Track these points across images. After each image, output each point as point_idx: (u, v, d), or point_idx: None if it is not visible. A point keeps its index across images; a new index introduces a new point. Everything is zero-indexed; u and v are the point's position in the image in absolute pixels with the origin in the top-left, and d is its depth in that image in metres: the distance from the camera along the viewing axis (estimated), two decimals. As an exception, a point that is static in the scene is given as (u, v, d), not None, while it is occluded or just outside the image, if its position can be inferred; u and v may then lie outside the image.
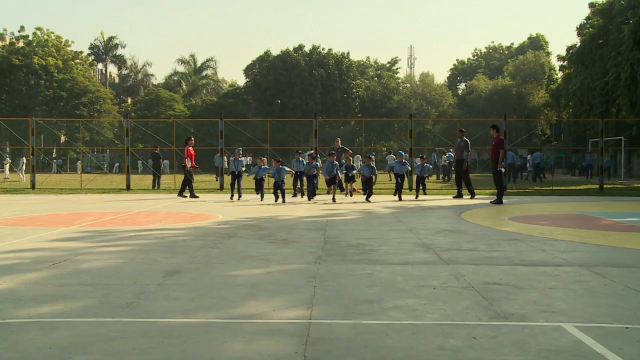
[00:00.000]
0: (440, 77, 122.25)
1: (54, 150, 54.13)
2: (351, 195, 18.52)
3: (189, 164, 18.66)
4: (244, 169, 17.97)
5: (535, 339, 4.08)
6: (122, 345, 3.92)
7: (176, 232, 9.98)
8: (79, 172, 43.64)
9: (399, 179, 17.66)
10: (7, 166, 35.35)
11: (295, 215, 12.72)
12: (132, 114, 57.93)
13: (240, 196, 17.66)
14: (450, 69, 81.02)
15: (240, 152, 18.05)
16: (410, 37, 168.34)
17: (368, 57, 73.33)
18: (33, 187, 22.77)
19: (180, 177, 20.72)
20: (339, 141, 21.08)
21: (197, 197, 18.37)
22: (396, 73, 74.22)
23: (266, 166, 17.76)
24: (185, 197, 18.47)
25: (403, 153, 18.23)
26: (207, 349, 3.86)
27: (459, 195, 18.14)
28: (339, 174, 17.89)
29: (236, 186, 17.68)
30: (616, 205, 16.14)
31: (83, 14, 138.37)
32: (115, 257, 7.34)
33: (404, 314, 4.70)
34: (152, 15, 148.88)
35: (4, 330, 4.24)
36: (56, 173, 41.67)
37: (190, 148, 18.83)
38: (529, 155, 38.03)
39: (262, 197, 17.33)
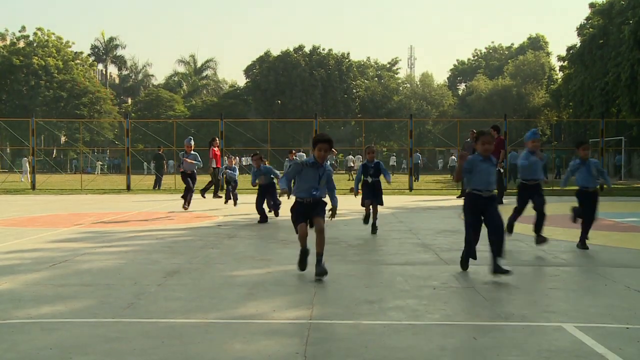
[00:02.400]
0: (440, 77, 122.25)
1: (54, 151, 54.16)
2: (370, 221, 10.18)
3: (214, 164, 18.46)
4: (197, 166, 14.33)
5: (535, 339, 4.08)
6: (122, 345, 3.92)
7: (176, 232, 9.99)
8: (97, 172, 43.95)
9: (537, 202, 8.13)
10: None
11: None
12: (133, 114, 57.93)
13: (187, 204, 13.84)
14: (451, 70, 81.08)
15: (192, 144, 14.46)
16: (410, 38, 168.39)
17: (368, 58, 73.42)
18: (33, 187, 22.78)
19: (180, 178, 20.71)
20: None
21: (205, 197, 18.17)
22: (396, 73, 74.23)
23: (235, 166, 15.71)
24: (221, 197, 17.86)
25: (538, 133, 8.45)
26: (207, 349, 3.86)
27: (463, 195, 18.08)
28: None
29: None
30: (616, 205, 16.14)
31: (84, 14, 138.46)
32: (115, 257, 7.35)
33: (405, 315, 4.71)
34: (152, 16, 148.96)
35: (5, 331, 4.24)
36: (73, 173, 41.77)
37: (216, 149, 18.69)
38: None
39: (231, 199, 14.68)
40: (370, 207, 9.66)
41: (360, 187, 9.77)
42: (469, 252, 6.33)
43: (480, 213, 6.27)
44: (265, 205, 11.85)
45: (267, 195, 11.91)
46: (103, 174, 42.47)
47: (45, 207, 15.05)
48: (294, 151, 18.59)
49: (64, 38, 63.76)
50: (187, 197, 13.71)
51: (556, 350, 3.85)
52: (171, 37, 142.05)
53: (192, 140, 14.09)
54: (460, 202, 17.02)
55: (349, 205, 15.10)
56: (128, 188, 22.67)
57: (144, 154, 46.84)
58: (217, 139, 19.01)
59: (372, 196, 9.56)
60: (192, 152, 13.93)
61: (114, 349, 3.84)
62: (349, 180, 31.91)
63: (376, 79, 70.31)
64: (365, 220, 9.75)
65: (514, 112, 55.92)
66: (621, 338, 4.10)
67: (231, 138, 42.65)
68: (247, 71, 66.10)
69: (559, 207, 15.61)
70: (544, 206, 8.07)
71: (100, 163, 47.65)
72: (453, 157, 41.62)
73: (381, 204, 9.70)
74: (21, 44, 60.72)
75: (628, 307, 4.98)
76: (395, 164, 48.43)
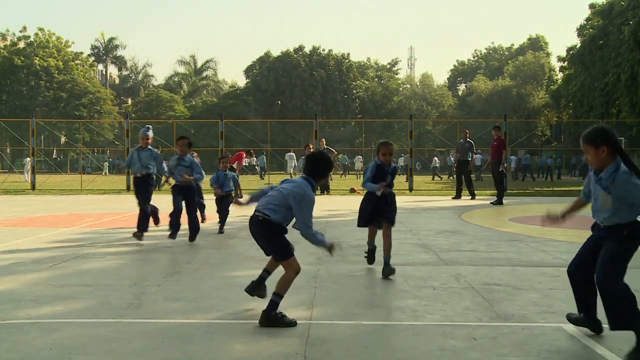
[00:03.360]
0: (441, 77, 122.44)
1: (54, 151, 54.18)
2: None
3: (237, 166, 19.31)
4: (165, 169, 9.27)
5: (535, 339, 4.08)
6: (122, 346, 3.92)
7: (176, 232, 9.96)
8: (104, 172, 44.04)
9: None
10: None
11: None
12: (133, 114, 57.93)
13: (155, 220, 9.50)
14: (451, 70, 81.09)
15: (150, 135, 9.22)
16: (410, 38, 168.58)
17: (368, 58, 73.38)
18: (33, 187, 22.77)
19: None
20: (324, 142, 20.02)
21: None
22: (396, 74, 74.23)
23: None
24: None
25: None
26: (207, 349, 3.86)
27: (458, 196, 18.08)
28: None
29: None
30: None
31: (84, 14, 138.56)
32: (115, 257, 7.35)
33: (405, 315, 4.71)
34: (152, 16, 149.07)
35: (5, 331, 4.24)
36: (80, 174, 41.82)
37: (243, 153, 19.57)
38: (527, 156, 38.93)
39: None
40: (375, 231, 6.59)
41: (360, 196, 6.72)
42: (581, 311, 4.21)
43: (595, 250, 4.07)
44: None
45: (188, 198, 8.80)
46: (111, 174, 42.56)
47: (45, 207, 15.05)
48: (310, 145, 18.52)
49: (64, 38, 63.83)
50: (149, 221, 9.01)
51: (556, 351, 3.85)
52: (171, 37, 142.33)
53: (151, 131, 9.29)
54: (459, 202, 17.11)
55: (349, 205, 15.10)
56: (128, 188, 22.64)
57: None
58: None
59: (382, 216, 6.44)
60: (150, 147, 9.12)
61: (114, 349, 3.84)
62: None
63: (376, 79, 70.30)
64: (370, 257, 6.66)
65: (513, 112, 55.91)
66: (621, 338, 4.09)
67: (231, 138, 42.68)
68: (247, 71, 66.10)
69: (559, 207, 15.62)
70: None
71: (107, 164, 47.88)
72: (436, 158, 40.59)
73: (393, 223, 6.59)
74: (21, 45, 60.74)
75: (628, 308, 4.97)
76: (406, 164, 46.85)
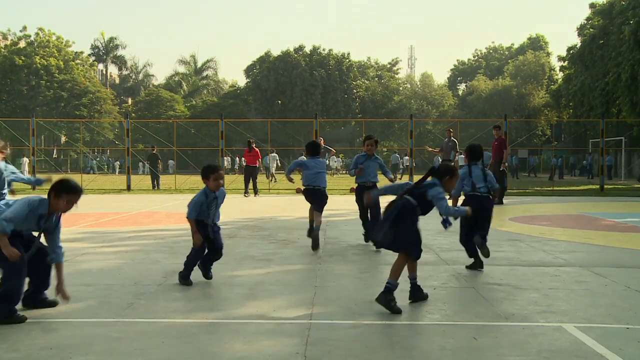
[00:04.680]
0: (441, 77, 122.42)
1: (55, 151, 54.20)
2: None
3: (258, 164, 20.46)
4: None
5: (535, 339, 4.08)
6: (122, 345, 3.92)
7: (177, 232, 9.98)
8: (117, 173, 44.22)
9: None
10: None
11: (295, 215, 12.72)
12: (133, 114, 57.95)
13: None
14: (451, 69, 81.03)
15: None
16: (410, 38, 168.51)
17: (369, 58, 73.29)
18: (33, 187, 22.76)
19: (180, 178, 20.84)
20: (323, 141, 20.19)
21: (247, 195, 19.18)
22: (397, 73, 74.20)
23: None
24: (247, 195, 19.23)
25: None
26: (207, 349, 3.86)
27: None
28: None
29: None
30: (616, 206, 16.13)
31: (84, 14, 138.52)
32: (115, 257, 7.35)
33: (405, 314, 4.71)
34: (152, 16, 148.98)
35: (5, 331, 4.24)
36: (94, 174, 41.84)
37: (256, 150, 20.21)
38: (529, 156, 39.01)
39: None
40: None
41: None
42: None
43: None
44: None
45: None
46: (120, 174, 42.68)
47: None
48: (322, 138, 19.45)
49: (64, 38, 63.81)
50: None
51: (556, 350, 3.85)
52: (171, 37, 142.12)
53: None
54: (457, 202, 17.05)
55: (350, 205, 15.07)
56: (128, 188, 22.66)
57: (144, 153, 46.88)
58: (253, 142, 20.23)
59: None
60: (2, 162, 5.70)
61: (114, 349, 3.85)
62: (272, 181, 27.96)
63: (376, 79, 70.28)
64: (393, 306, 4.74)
65: (514, 112, 55.87)
66: (621, 338, 4.10)
67: (231, 138, 42.74)
68: (248, 71, 66.08)
69: (559, 207, 15.60)
70: None
71: (119, 164, 48.09)
72: (397, 155, 38.34)
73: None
74: (22, 44, 60.75)
75: (628, 307, 4.98)
76: (406, 165, 44.07)
